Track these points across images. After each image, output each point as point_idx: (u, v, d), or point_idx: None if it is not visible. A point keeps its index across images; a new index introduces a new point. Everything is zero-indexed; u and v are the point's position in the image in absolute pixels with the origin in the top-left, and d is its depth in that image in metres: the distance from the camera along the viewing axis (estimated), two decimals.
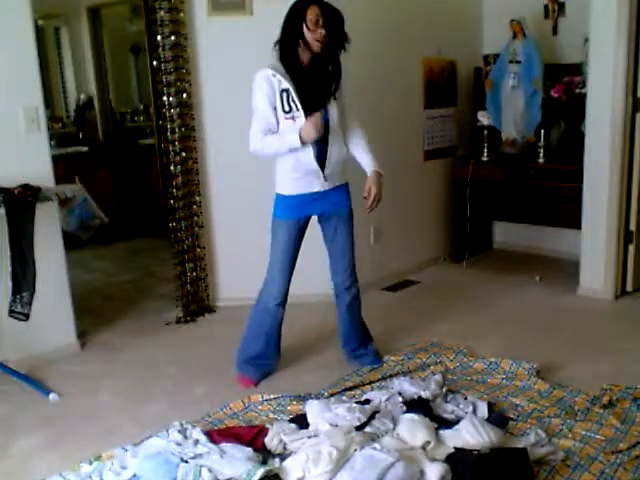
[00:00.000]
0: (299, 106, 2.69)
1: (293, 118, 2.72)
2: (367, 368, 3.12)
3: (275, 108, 2.73)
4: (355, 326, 3.15)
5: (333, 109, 2.80)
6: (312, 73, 2.78)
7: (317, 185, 2.85)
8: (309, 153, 2.76)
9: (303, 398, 2.78)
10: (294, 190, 2.85)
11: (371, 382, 2.93)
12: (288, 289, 2.97)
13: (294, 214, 2.88)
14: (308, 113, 2.69)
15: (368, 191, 2.89)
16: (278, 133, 2.75)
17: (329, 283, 3.14)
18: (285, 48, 2.74)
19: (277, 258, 2.91)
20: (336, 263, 3.04)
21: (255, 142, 2.76)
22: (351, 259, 3.03)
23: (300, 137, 2.66)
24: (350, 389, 2.89)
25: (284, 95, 2.70)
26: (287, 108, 2.71)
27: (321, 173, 2.81)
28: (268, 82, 2.70)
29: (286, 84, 2.69)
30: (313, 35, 2.68)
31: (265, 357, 3.06)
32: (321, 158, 2.80)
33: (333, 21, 2.69)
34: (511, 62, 4.52)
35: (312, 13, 2.67)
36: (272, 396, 2.83)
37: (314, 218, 2.99)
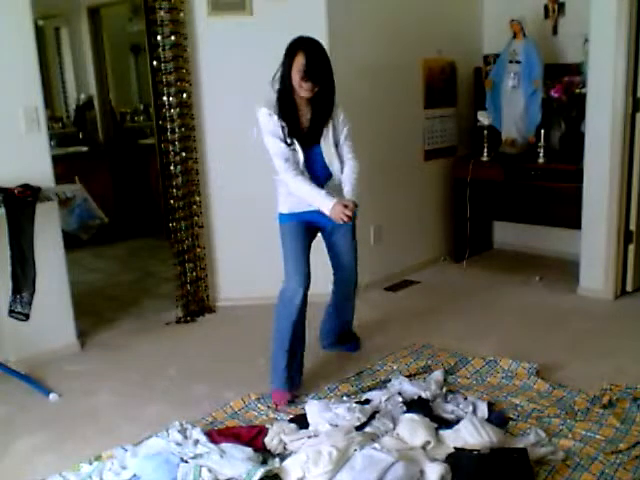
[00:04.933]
0: (295, 141, 2.81)
1: (295, 150, 2.81)
2: (366, 373, 3.08)
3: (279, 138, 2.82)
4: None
5: (326, 144, 2.89)
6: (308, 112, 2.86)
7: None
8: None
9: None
10: (294, 208, 2.93)
11: (370, 389, 2.86)
12: None
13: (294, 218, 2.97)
14: (303, 147, 2.81)
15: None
16: (311, 188, 2.79)
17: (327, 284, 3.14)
18: (281, 88, 2.79)
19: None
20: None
21: (288, 178, 2.82)
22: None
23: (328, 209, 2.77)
24: (350, 395, 2.84)
25: (285, 130, 2.80)
26: (289, 142, 2.81)
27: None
28: (269, 119, 2.79)
29: (282, 122, 2.79)
30: (300, 83, 2.72)
31: None
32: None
33: (318, 72, 2.71)
34: (511, 62, 4.51)
35: (299, 62, 2.69)
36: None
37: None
